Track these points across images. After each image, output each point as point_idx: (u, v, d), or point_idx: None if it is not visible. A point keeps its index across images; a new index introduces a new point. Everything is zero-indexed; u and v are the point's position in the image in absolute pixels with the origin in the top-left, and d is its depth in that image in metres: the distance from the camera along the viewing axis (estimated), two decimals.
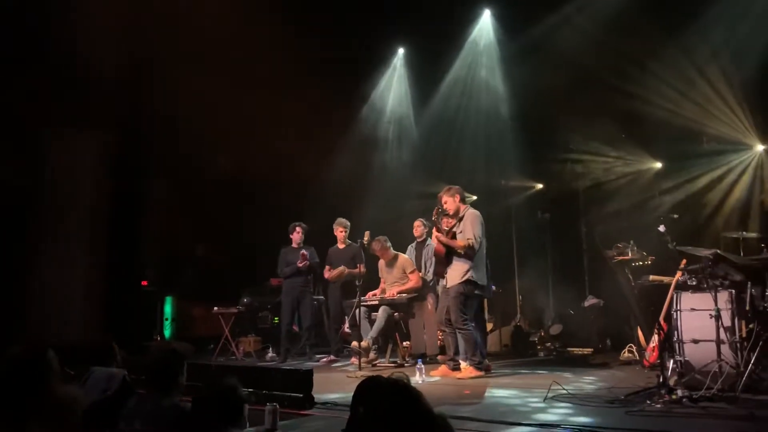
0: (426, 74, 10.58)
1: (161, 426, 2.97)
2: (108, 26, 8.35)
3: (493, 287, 7.15)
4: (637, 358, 7.02)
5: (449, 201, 6.62)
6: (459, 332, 6.40)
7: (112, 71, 8.74)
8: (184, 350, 3.45)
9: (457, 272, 6.45)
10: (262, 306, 9.79)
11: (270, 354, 8.70)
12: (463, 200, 6.72)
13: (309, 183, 10.17)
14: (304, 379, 4.82)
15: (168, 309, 10.30)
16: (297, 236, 8.45)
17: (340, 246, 8.38)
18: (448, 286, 6.55)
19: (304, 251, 8.26)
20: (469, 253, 6.40)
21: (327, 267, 8.38)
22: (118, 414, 3.19)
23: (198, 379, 4.86)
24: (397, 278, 7.83)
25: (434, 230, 6.68)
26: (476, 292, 6.55)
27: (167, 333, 10.09)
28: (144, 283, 10.11)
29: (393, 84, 11.09)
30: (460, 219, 6.57)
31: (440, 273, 6.82)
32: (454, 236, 6.54)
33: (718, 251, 5.32)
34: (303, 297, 8.36)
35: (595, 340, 8.82)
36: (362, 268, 7.56)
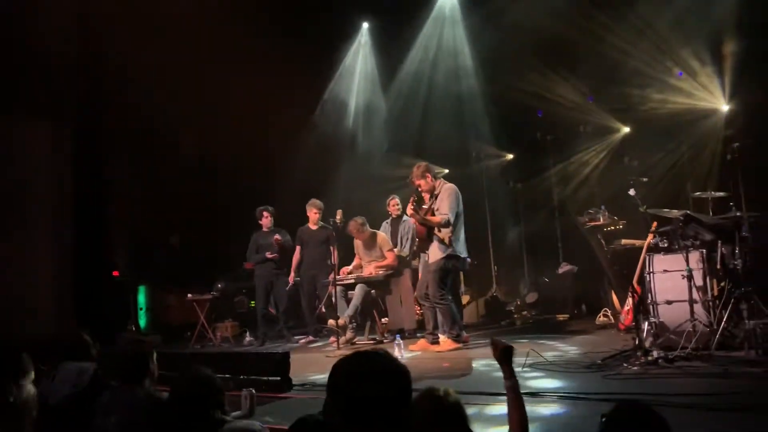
0: (392, 48, 10.47)
1: (138, 417, 2.93)
2: (61, 7, 8.07)
3: (468, 260, 7.13)
4: (613, 321, 7.11)
5: (422, 183, 6.57)
6: (437, 306, 6.40)
7: (68, 55, 8.48)
8: (153, 341, 3.39)
9: (437, 248, 6.43)
10: (238, 291, 9.69)
11: (248, 338, 8.62)
12: (434, 176, 6.67)
13: (277, 164, 10.04)
14: (281, 362, 4.78)
15: (142, 299, 10.13)
16: (266, 221, 8.36)
17: (312, 227, 8.28)
18: (429, 261, 6.53)
19: (277, 236, 8.16)
20: (444, 228, 6.36)
21: (297, 247, 8.28)
22: (91, 408, 3.12)
23: (173, 368, 4.81)
24: (374, 257, 7.78)
25: (409, 209, 6.59)
26: (458, 264, 6.54)
27: (142, 323, 9.94)
28: (115, 273, 9.91)
29: (359, 60, 10.94)
30: (436, 196, 6.53)
31: (424, 249, 6.80)
32: (433, 213, 6.50)
33: (688, 212, 5.37)
34: (276, 280, 8.29)
35: (571, 306, 8.92)
36: (335, 252, 7.49)
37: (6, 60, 8.25)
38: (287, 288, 8.30)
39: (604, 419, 1.98)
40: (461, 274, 8.05)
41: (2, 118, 8.63)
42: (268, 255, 8.18)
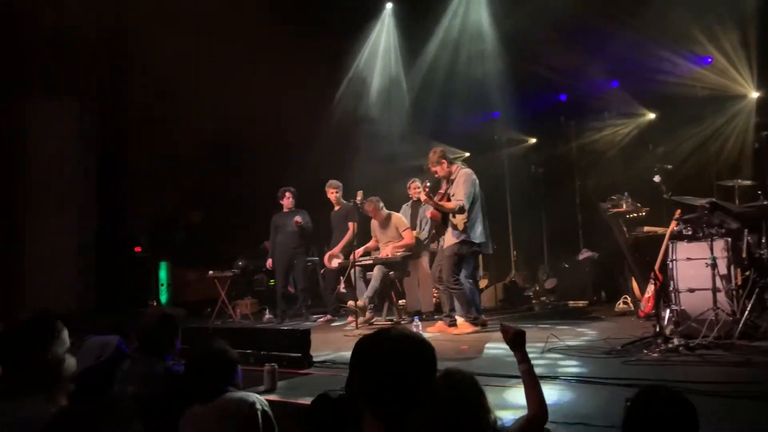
0: (415, 28, 10.36)
1: (154, 388, 2.98)
2: None
3: (494, 246, 7.12)
4: (632, 309, 7.06)
5: (438, 169, 6.54)
6: (451, 291, 6.41)
7: (90, 37, 8.53)
8: (177, 315, 3.44)
9: (452, 235, 6.42)
10: (258, 269, 9.77)
11: (267, 316, 8.72)
12: (450, 161, 6.62)
13: (298, 144, 10.05)
14: (302, 339, 4.82)
15: (163, 274, 10.26)
16: (288, 201, 8.39)
17: (336, 207, 8.32)
18: (444, 246, 6.53)
19: (298, 217, 8.19)
20: (459, 214, 6.34)
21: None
22: (113, 378, 3.18)
23: (195, 342, 4.88)
24: (390, 237, 7.79)
25: (422, 196, 6.56)
26: (474, 249, 6.53)
27: (163, 298, 10.08)
28: (137, 249, 10.04)
29: (381, 40, 10.86)
30: (452, 181, 6.50)
31: (441, 234, 6.79)
32: (449, 199, 6.48)
33: (714, 200, 5.30)
34: (296, 259, 8.34)
35: (590, 293, 8.87)
36: (354, 227, 7.51)
37: (31, 40, 8.34)
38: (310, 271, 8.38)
39: (628, 403, 1.97)
40: (480, 258, 8.03)
41: (28, 98, 8.75)
42: (297, 219, 8.18)
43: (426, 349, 1.70)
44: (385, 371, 1.65)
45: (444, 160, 6.52)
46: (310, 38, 8.91)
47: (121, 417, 3.06)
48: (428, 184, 6.52)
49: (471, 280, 6.59)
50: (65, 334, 2.49)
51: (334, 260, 7.93)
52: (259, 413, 2.70)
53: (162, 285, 10.18)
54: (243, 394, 2.82)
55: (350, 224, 7.84)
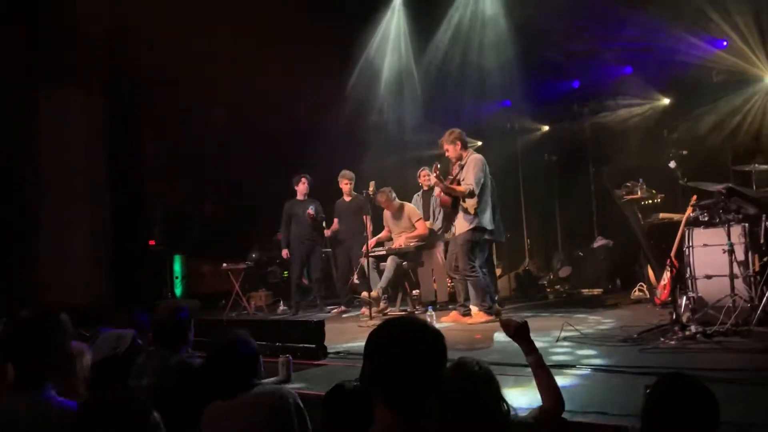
0: (426, 16, 10.27)
1: (169, 382, 2.98)
2: None
3: (507, 235, 7.08)
4: (648, 296, 7.00)
5: (450, 148, 6.49)
6: (467, 279, 6.38)
7: (101, 27, 8.53)
8: (191, 307, 3.44)
9: (464, 220, 6.38)
10: (271, 261, 9.79)
11: (281, 307, 8.74)
12: (464, 146, 6.56)
13: (310, 134, 10.03)
14: (317, 330, 4.83)
15: (177, 267, 10.32)
16: (303, 187, 8.39)
17: (347, 199, 8.30)
18: (456, 234, 6.49)
19: (310, 210, 8.17)
20: (469, 198, 6.30)
21: (335, 219, 8.33)
22: (128, 371, 3.20)
23: (210, 334, 4.89)
24: (403, 228, 7.77)
25: (433, 178, 6.52)
26: (486, 237, 6.49)
27: (178, 291, 10.14)
28: (151, 242, 10.10)
29: (392, 29, 10.78)
30: (463, 166, 6.46)
31: (450, 222, 6.75)
32: (458, 184, 6.44)
33: (731, 185, 5.23)
34: (312, 250, 8.35)
35: (605, 281, 8.81)
36: (368, 221, 7.49)
37: (40, 32, 8.36)
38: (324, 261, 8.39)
39: (648, 390, 1.95)
40: (494, 245, 8.00)
41: (38, 91, 8.79)
42: (309, 212, 8.18)
43: (435, 337, 1.69)
44: (394, 359, 1.64)
45: (459, 142, 6.46)
46: (320, 27, 8.87)
47: (140, 408, 3.08)
48: (438, 165, 6.49)
49: (484, 269, 6.55)
50: (69, 326, 2.51)
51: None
52: (292, 407, 2.63)
53: (176, 278, 10.24)
54: (274, 387, 2.78)
55: (365, 217, 7.84)
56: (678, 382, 1.96)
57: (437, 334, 1.71)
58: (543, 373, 2.49)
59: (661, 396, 1.92)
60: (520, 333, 2.58)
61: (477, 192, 6.28)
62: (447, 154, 6.53)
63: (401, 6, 10.59)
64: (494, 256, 8.51)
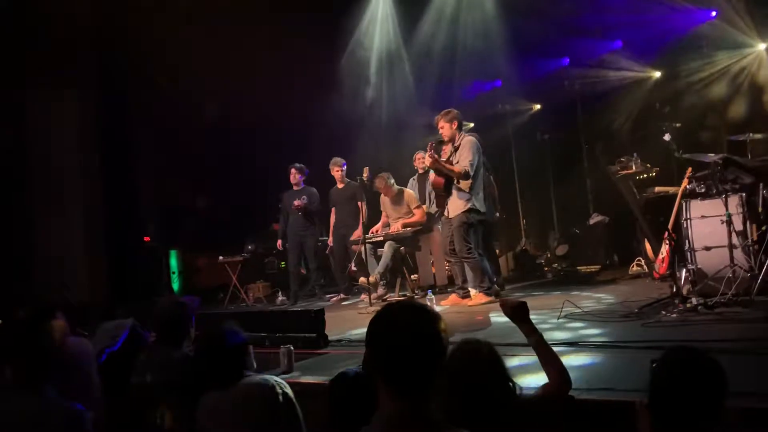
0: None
1: (173, 377, 2.97)
2: None
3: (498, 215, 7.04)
4: (647, 271, 6.99)
5: (445, 126, 6.42)
6: (465, 261, 6.35)
7: (91, 25, 8.43)
8: (192, 304, 3.43)
9: (458, 202, 6.34)
10: (267, 252, 9.76)
11: (280, 298, 8.71)
12: (460, 127, 6.50)
13: (303, 123, 9.96)
14: (316, 319, 4.80)
15: (174, 262, 10.27)
16: (293, 178, 8.35)
17: (339, 186, 8.25)
18: (450, 217, 6.45)
19: (297, 201, 8.12)
20: (464, 180, 6.26)
21: (332, 209, 8.28)
22: (131, 365, 3.18)
23: (205, 327, 4.87)
24: (401, 214, 7.73)
25: (428, 157, 6.47)
26: (479, 218, 6.46)
27: (175, 286, 10.10)
28: (147, 238, 10.04)
29: (379, 11, 10.68)
30: (457, 148, 6.41)
31: (441, 205, 6.70)
32: (452, 165, 6.39)
33: (727, 155, 5.20)
34: (305, 239, 8.31)
35: (603, 257, 8.81)
36: (363, 207, 7.46)
37: (30, 32, 8.25)
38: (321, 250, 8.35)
39: (654, 365, 1.93)
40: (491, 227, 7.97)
41: (29, 90, 8.69)
42: (296, 203, 8.14)
43: (435, 322, 1.66)
44: (394, 345, 1.62)
45: (455, 121, 6.40)
46: (307, 15, 8.78)
47: (147, 404, 3.08)
48: (434, 144, 6.44)
49: (479, 251, 6.52)
50: (64, 324, 2.50)
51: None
52: (280, 396, 2.65)
53: (174, 273, 10.20)
54: (262, 377, 2.77)
55: (360, 204, 7.79)
56: (684, 354, 1.95)
57: (437, 318, 1.68)
58: (546, 353, 2.47)
59: (668, 370, 1.90)
60: (518, 314, 2.55)
61: (472, 173, 6.23)
62: (441, 132, 6.46)
63: None
64: (492, 238, 8.47)
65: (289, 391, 2.71)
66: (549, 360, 2.45)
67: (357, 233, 7.62)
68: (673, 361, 1.92)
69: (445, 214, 6.59)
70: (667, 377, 1.89)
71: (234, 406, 2.64)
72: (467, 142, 6.36)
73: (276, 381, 2.72)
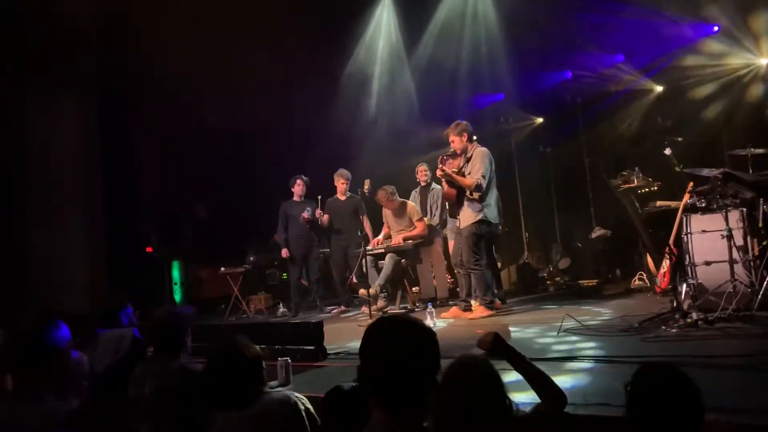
0: (416, 12, 10.23)
1: (171, 388, 2.95)
2: None
3: (499, 226, 7.04)
4: (648, 285, 6.98)
5: (456, 140, 6.44)
6: (471, 272, 6.34)
7: (91, 30, 8.48)
8: (188, 313, 3.43)
9: (469, 213, 6.34)
10: (269, 263, 9.76)
11: (281, 309, 8.70)
12: (470, 138, 6.51)
13: (304, 134, 10.00)
14: (315, 332, 4.79)
15: (176, 273, 10.28)
16: (299, 188, 8.36)
17: (341, 198, 8.26)
18: (461, 227, 6.45)
19: (305, 214, 8.13)
20: (476, 192, 6.26)
21: (326, 216, 8.24)
22: (127, 378, 3.18)
23: (209, 340, 4.87)
24: (403, 226, 7.72)
25: (438, 170, 6.47)
26: (491, 230, 6.46)
27: (177, 297, 10.11)
28: (149, 249, 10.06)
29: (382, 25, 10.73)
30: (469, 159, 6.42)
31: (454, 214, 6.71)
32: (463, 176, 6.40)
33: (727, 169, 5.20)
34: (309, 251, 8.32)
35: (605, 271, 8.80)
36: (366, 221, 7.46)
37: (30, 36, 8.30)
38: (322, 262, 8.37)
39: (628, 388, 1.92)
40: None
41: (30, 97, 8.73)
42: (304, 216, 8.15)
43: (426, 337, 1.66)
44: (385, 359, 1.62)
45: (465, 134, 6.42)
46: (311, 25, 8.83)
47: (141, 415, 3.07)
48: (444, 157, 6.45)
49: (484, 262, 6.51)
50: (68, 337, 2.51)
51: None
52: (303, 413, 2.55)
53: (175, 284, 10.21)
54: (283, 394, 2.66)
55: (363, 218, 7.84)
56: (654, 372, 1.94)
57: (429, 333, 1.68)
58: (537, 378, 2.43)
59: (641, 390, 1.89)
60: (497, 345, 2.51)
61: (484, 186, 6.24)
62: (452, 145, 6.48)
63: (390, 3, 10.54)
64: (493, 250, 8.47)
65: (310, 406, 2.61)
66: (539, 384, 2.42)
67: (374, 242, 7.65)
68: (645, 380, 1.91)
69: (456, 224, 6.58)
70: (640, 395, 1.89)
71: (254, 425, 2.49)
72: (479, 153, 6.37)
73: (297, 397, 2.61)
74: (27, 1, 8.08)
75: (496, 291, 6.72)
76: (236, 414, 2.52)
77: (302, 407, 2.57)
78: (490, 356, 2.42)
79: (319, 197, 8.20)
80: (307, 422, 2.55)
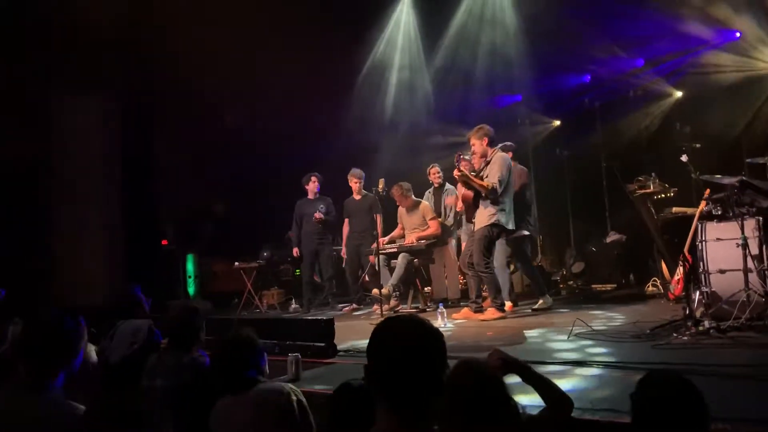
0: (435, 13, 10.23)
1: (182, 382, 3.00)
2: None
3: (526, 232, 7.03)
4: (662, 291, 6.94)
5: (476, 144, 6.46)
6: (481, 275, 6.35)
7: (111, 31, 8.58)
8: (204, 308, 3.48)
9: (483, 215, 6.35)
10: (283, 259, 9.82)
11: (293, 305, 8.76)
12: (491, 143, 6.52)
13: (321, 133, 10.04)
14: (326, 328, 4.82)
15: (190, 267, 10.37)
16: (313, 186, 8.41)
17: (356, 197, 8.30)
18: (475, 229, 6.47)
19: (318, 213, 8.19)
20: (491, 196, 6.27)
21: (345, 220, 8.33)
22: (141, 370, 3.22)
23: (221, 333, 4.91)
24: (416, 225, 7.74)
25: (456, 171, 6.47)
26: (505, 235, 6.45)
27: (191, 290, 10.20)
28: (164, 242, 10.16)
29: (401, 26, 10.75)
30: (488, 163, 6.42)
31: (470, 218, 6.72)
32: (481, 179, 6.40)
33: (744, 178, 5.15)
34: (321, 248, 8.37)
35: (618, 276, 8.74)
36: (379, 219, 7.48)
37: (55, 36, 8.42)
38: (335, 259, 8.40)
39: (631, 394, 1.93)
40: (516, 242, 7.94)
41: (53, 95, 8.85)
42: (317, 216, 8.20)
43: (433, 338, 1.67)
44: (392, 360, 1.63)
45: (486, 138, 6.44)
46: (330, 26, 8.87)
47: (153, 408, 3.12)
48: (460, 154, 6.47)
49: (495, 265, 6.52)
50: (85, 330, 2.55)
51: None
52: (294, 403, 2.66)
53: (190, 277, 10.30)
54: (276, 384, 2.79)
55: (376, 216, 7.87)
56: (659, 380, 1.95)
57: (436, 333, 1.69)
58: (544, 386, 2.44)
59: (645, 399, 1.90)
60: (507, 364, 2.48)
61: (500, 191, 6.25)
62: (473, 149, 6.51)
63: (409, 5, 10.54)
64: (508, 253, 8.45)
65: (302, 398, 2.72)
66: (545, 391, 2.42)
67: (383, 240, 7.67)
68: (649, 386, 1.92)
69: (472, 227, 6.61)
70: (644, 403, 1.89)
71: (248, 412, 2.64)
72: (498, 158, 6.38)
73: (290, 388, 2.73)
74: (51, 2, 8.18)
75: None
76: (231, 400, 2.69)
77: (294, 398, 2.68)
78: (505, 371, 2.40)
79: (329, 198, 8.28)
80: (297, 413, 2.66)
